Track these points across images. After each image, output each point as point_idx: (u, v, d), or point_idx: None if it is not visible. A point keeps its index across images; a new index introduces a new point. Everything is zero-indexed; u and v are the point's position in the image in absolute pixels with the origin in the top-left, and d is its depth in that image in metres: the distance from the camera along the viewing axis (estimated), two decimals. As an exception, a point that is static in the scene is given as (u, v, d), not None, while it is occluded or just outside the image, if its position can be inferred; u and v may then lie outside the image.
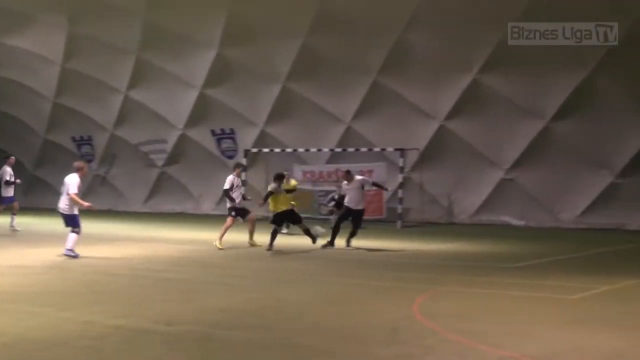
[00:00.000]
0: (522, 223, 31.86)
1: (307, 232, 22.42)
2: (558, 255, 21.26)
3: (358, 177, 23.02)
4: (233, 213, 22.76)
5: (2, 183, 27.93)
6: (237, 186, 23.08)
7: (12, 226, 27.20)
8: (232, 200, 22.78)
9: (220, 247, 21.93)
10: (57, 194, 19.70)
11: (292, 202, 23.07)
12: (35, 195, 42.71)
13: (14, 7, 35.72)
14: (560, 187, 31.24)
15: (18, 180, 28.25)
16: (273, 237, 21.65)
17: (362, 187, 22.71)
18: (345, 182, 23.09)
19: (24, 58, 38.65)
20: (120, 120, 39.96)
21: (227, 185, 22.94)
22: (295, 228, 24.65)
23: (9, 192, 27.82)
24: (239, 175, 23.51)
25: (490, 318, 11.66)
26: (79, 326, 10.71)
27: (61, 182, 19.39)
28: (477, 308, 12.63)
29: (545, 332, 10.66)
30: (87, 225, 26.82)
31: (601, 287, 15.00)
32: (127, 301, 12.79)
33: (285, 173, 24.04)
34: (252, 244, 22.89)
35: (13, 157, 29.51)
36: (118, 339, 9.97)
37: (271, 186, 22.28)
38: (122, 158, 40.86)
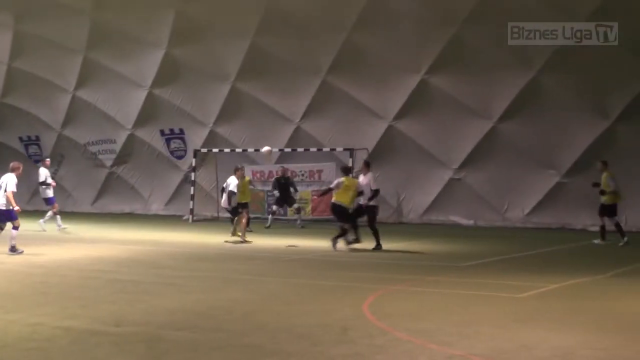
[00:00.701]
0: (470, 222, 32.05)
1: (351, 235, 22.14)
2: (506, 255, 21.43)
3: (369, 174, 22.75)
4: (240, 209, 24.56)
5: (40, 185, 28.64)
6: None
7: (59, 226, 27.93)
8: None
9: (249, 240, 24.05)
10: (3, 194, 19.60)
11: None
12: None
13: (-43, 5, 35.32)
14: (507, 186, 31.46)
15: (53, 183, 28.80)
16: (354, 229, 21.96)
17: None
18: (362, 174, 22.68)
19: (-31, 57, 38.24)
20: (68, 120, 39.55)
21: (233, 188, 24.59)
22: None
23: (49, 193, 28.33)
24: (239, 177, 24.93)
25: (440, 317, 11.74)
26: (26, 328, 10.59)
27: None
28: (426, 307, 12.71)
29: (493, 331, 10.75)
30: (35, 226, 26.60)
31: (549, 285, 15.16)
32: (75, 302, 12.68)
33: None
34: (245, 240, 24.05)
35: (48, 159, 30.03)
36: (66, 341, 9.89)
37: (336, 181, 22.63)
38: (70, 158, 40.44)
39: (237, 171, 25.11)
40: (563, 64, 28.88)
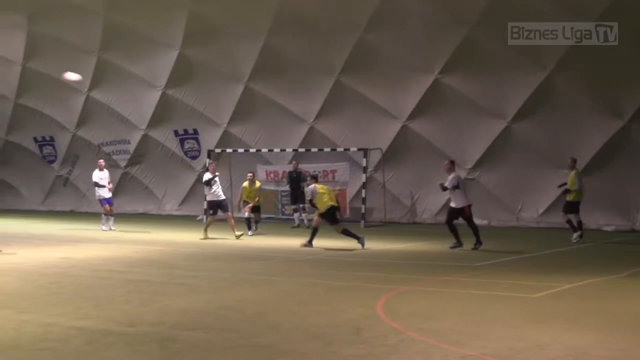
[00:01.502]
0: (484, 222, 31.90)
1: (347, 234, 22.16)
2: (520, 254, 21.39)
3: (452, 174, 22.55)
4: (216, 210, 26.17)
5: (94, 186, 29.23)
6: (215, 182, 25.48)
7: (109, 227, 28.68)
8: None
9: (240, 233, 25.24)
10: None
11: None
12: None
13: (-29, 7, 35.48)
14: (521, 186, 31.39)
15: (110, 185, 29.35)
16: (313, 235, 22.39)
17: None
18: (454, 174, 22.53)
19: (-16, 59, 38.40)
20: (82, 121, 39.70)
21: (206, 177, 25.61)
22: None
23: (105, 193, 28.85)
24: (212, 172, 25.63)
25: (453, 317, 11.70)
26: (39, 328, 10.60)
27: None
28: (439, 307, 12.67)
29: (506, 330, 10.71)
30: (49, 227, 26.69)
31: (563, 285, 15.09)
32: (89, 302, 12.68)
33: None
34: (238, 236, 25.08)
35: (102, 160, 30.12)
36: (80, 341, 9.89)
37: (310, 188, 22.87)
38: (85, 159, 40.55)
39: (211, 165, 26.67)
40: (576, 63, 28.80)
